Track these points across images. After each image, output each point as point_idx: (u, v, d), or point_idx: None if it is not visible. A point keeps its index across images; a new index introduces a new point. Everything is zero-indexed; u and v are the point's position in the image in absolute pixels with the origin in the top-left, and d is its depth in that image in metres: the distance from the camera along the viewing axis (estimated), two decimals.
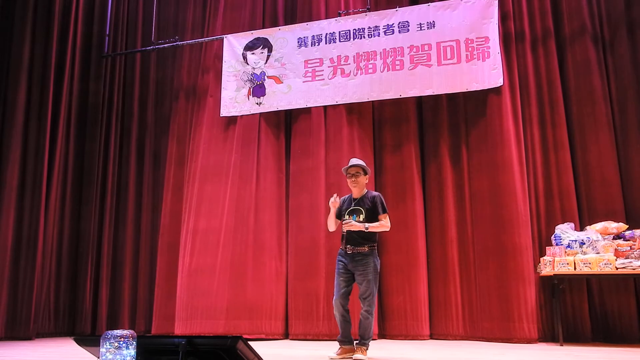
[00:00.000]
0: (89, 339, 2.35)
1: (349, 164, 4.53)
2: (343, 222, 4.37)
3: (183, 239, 6.75)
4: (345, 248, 4.36)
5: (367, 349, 4.31)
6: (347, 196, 4.62)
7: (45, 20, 6.97)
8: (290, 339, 6.05)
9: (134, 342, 1.93)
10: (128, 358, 1.88)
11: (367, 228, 4.29)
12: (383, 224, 4.37)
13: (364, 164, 4.52)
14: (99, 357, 1.87)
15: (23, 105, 6.66)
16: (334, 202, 4.47)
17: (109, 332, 1.91)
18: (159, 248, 7.11)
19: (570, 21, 6.20)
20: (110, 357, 1.85)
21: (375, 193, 4.52)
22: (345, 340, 4.35)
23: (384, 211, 4.39)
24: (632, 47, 5.94)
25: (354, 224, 4.28)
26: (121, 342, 1.88)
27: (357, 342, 4.35)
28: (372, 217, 4.37)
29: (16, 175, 6.48)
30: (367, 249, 4.30)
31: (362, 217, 4.35)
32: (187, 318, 6.34)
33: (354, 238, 4.33)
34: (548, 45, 6.18)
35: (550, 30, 6.20)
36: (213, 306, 6.26)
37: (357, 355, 4.23)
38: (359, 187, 4.45)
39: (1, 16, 6.95)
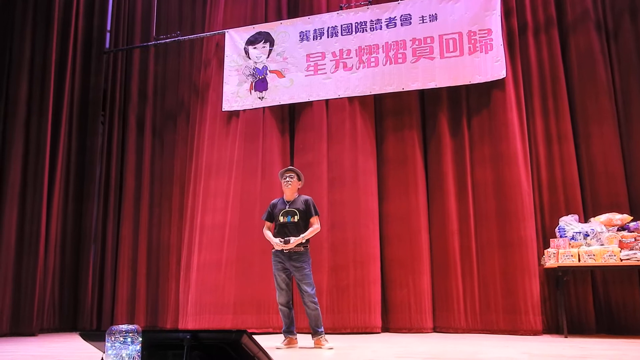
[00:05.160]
0: (95, 334, 2.35)
1: (285, 169, 4.97)
2: (284, 245, 4.59)
3: (190, 235, 6.77)
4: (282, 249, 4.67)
5: (324, 336, 4.64)
6: (277, 200, 4.97)
7: (46, 15, 6.96)
8: (296, 332, 6.04)
9: (139, 337, 1.93)
10: (133, 353, 1.88)
11: (304, 239, 4.66)
12: (316, 228, 4.77)
13: (299, 172, 4.95)
14: (104, 352, 1.87)
15: (25, 101, 6.67)
16: (278, 244, 4.66)
17: (115, 327, 1.91)
18: (167, 244, 7.15)
19: (573, 10, 6.16)
20: (116, 351, 1.85)
21: (306, 197, 4.89)
22: (291, 331, 4.71)
23: (316, 213, 4.83)
24: (636, 34, 5.91)
25: (295, 242, 4.58)
26: (126, 337, 1.88)
27: (313, 334, 4.62)
28: (305, 218, 4.78)
29: (18, 171, 6.49)
30: (302, 249, 4.68)
31: (296, 217, 4.73)
32: (195, 313, 6.36)
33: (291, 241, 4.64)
34: (551, 35, 6.15)
35: (553, 20, 6.16)
36: (220, 301, 6.28)
37: (328, 345, 4.52)
38: (292, 189, 4.82)
39: (2, 11, 6.94)
